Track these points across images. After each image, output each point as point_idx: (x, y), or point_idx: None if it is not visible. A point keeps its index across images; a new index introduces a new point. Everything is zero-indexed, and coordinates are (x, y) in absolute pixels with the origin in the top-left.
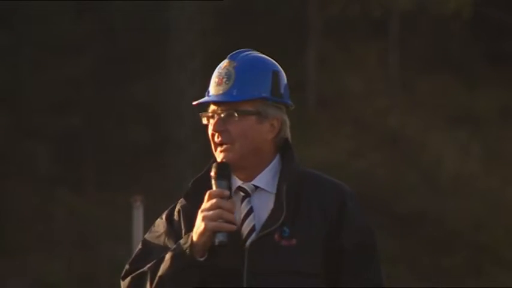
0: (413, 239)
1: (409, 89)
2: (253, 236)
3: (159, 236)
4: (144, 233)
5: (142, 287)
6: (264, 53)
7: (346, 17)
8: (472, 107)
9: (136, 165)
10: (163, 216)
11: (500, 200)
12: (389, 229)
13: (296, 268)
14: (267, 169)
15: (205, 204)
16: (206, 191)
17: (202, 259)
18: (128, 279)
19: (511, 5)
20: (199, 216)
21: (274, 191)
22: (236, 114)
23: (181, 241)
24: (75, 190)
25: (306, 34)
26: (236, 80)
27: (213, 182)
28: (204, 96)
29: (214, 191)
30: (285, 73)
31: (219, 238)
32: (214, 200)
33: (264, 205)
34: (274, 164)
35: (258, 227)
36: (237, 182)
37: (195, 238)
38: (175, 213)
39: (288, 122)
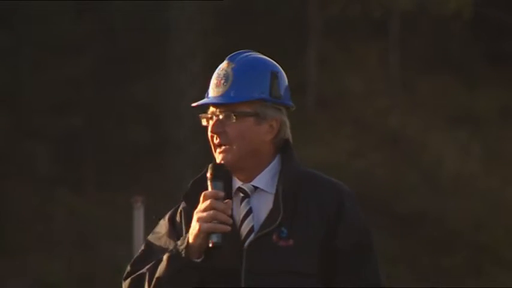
0: (413, 239)
1: (409, 89)
2: (252, 236)
3: (161, 237)
4: (145, 233)
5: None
6: (264, 53)
7: (346, 17)
8: (472, 107)
9: (137, 165)
10: (166, 217)
11: (500, 200)
12: (390, 229)
13: (293, 268)
14: (266, 170)
15: (200, 206)
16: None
17: (198, 260)
18: (128, 280)
19: (511, 5)
20: (194, 217)
21: (274, 192)
22: (233, 116)
23: (178, 242)
24: (75, 190)
25: (306, 34)
26: (234, 81)
27: (208, 183)
28: (203, 97)
29: (209, 192)
30: (285, 73)
31: (213, 239)
32: (208, 201)
33: (263, 206)
34: (274, 165)
35: (256, 228)
36: (237, 182)
37: (190, 239)
38: (178, 214)
39: (287, 123)
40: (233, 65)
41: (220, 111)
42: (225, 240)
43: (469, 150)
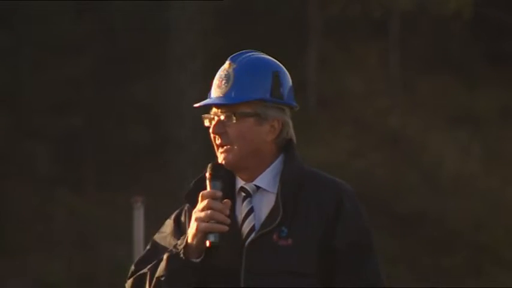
0: (413, 239)
1: (409, 89)
2: (252, 235)
3: (165, 237)
4: (145, 233)
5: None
6: (264, 54)
7: (346, 17)
8: (472, 107)
9: (137, 165)
10: (172, 216)
11: (500, 200)
12: (390, 229)
13: (292, 268)
14: (269, 169)
15: (198, 206)
16: None
17: (197, 260)
18: (131, 280)
19: (511, 5)
20: (193, 217)
21: (275, 191)
22: (234, 116)
23: (178, 242)
24: (75, 190)
25: (306, 34)
26: (235, 82)
27: (207, 182)
28: (204, 97)
29: (206, 192)
30: None
31: (211, 239)
32: (206, 201)
33: (265, 205)
34: (276, 165)
35: (257, 227)
36: (240, 182)
37: (189, 239)
38: (183, 213)
39: (290, 123)
40: (235, 66)
41: (221, 112)
42: (226, 240)
43: (469, 150)
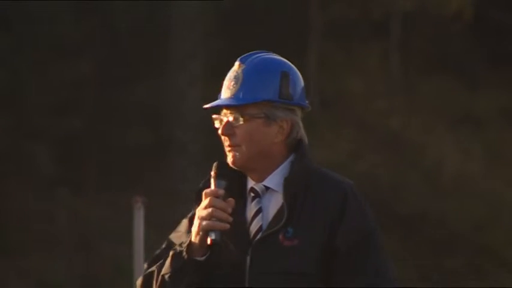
0: (414, 240)
1: (410, 90)
2: (259, 236)
3: (180, 236)
4: (145, 233)
5: (151, 285)
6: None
7: (347, 18)
8: (473, 108)
9: (138, 166)
10: (188, 215)
11: (501, 201)
12: (391, 230)
13: (296, 269)
14: (278, 170)
15: (201, 204)
16: None
17: (202, 258)
18: (141, 277)
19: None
20: (196, 215)
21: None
22: (241, 118)
23: (183, 240)
24: (76, 191)
25: (306, 35)
26: (243, 83)
27: (212, 181)
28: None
29: (209, 190)
30: None
31: (212, 237)
32: (208, 199)
33: (273, 205)
34: (286, 165)
35: (264, 227)
36: (250, 182)
37: (192, 237)
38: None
39: (300, 124)
40: (244, 66)
41: (230, 113)
42: (234, 240)
43: (470, 151)
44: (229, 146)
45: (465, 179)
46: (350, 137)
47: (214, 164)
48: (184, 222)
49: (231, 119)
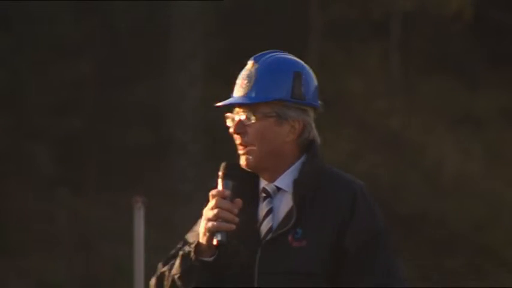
0: (414, 240)
1: (410, 90)
2: (269, 236)
3: (195, 235)
4: (145, 234)
5: (163, 285)
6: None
7: (347, 18)
8: (473, 108)
9: (138, 166)
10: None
11: (501, 201)
12: (391, 230)
13: (304, 269)
14: (289, 170)
15: (208, 205)
16: None
17: (209, 259)
18: (154, 278)
19: None
20: (203, 216)
21: None
22: (253, 116)
23: (190, 241)
24: (76, 191)
25: (306, 35)
26: (256, 82)
27: (219, 181)
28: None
29: (215, 190)
30: None
31: (218, 237)
32: (214, 200)
33: (284, 206)
34: (297, 166)
35: (275, 228)
36: (262, 182)
37: (199, 238)
38: None
39: (312, 124)
40: (257, 66)
41: (242, 112)
42: (244, 240)
43: (470, 151)
44: (240, 144)
45: (465, 179)
46: (350, 137)
47: (222, 165)
48: (200, 222)
49: (243, 117)
